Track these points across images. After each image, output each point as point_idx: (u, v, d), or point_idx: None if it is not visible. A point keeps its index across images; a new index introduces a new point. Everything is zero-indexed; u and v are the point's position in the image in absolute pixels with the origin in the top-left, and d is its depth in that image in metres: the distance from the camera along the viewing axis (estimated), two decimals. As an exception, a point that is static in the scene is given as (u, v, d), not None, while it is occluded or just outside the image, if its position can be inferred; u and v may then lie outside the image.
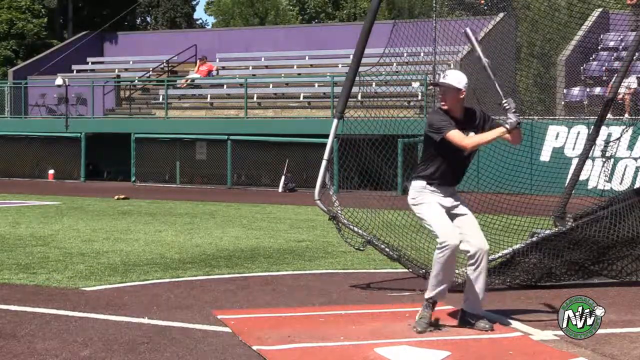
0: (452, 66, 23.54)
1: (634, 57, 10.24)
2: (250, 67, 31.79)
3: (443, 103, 6.75)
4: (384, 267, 9.81)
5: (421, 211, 6.79)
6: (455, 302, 7.48)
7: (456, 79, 6.74)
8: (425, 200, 6.78)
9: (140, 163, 26.92)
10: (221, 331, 6.63)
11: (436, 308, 7.18)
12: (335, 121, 8.67)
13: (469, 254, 6.72)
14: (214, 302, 7.81)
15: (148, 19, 61.04)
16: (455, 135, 6.63)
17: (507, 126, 6.62)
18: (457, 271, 8.20)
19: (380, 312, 7.25)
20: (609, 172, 11.68)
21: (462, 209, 6.82)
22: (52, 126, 29.43)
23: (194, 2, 62.72)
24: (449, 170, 6.77)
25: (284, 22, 53.31)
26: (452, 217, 6.79)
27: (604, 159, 10.77)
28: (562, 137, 20.53)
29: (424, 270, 8.37)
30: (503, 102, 6.69)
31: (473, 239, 6.69)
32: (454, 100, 6.73)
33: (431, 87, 7.18)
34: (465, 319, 6.77)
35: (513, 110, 6.62)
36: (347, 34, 29.35)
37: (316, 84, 28.64)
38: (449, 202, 6.80)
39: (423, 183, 6.80)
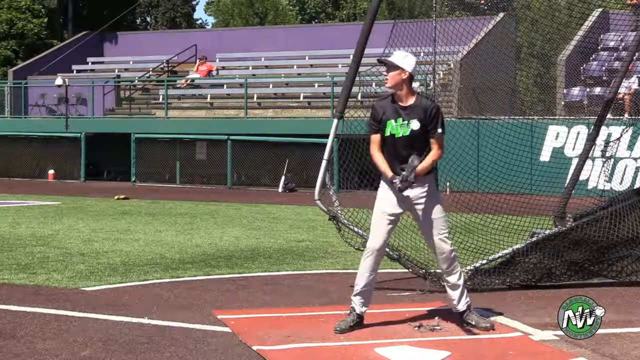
0: (452, 66, 23.54)
1: (634, 57, 10.24)
2: (250, 67, 31.79)
3: (386, 81, 6.61)
4: (384, 267, 9.77)
5: (375, 204, 6.78)
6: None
7: (399, 57, 6.59)
8: (378, 201, 6.74)
9: (140, 163, 26.91)
10: (221, 331, 6.63)
11: (437, 308, 7.20)
12: (335, 121, 8.67)
13: (431, 248, 6.78)
14: (214, 302, 7.81)
15: (148, 19, 61.07)
16: (371, 139, 6.65)
17: (396, 181, 6.41)
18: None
19: (380, 312, 7.25)
20: (609, 172, 11.69)
21: (419, 210, 6.65)
22: (52, 126, 29.43)
23: (194, 2, 62.72)
24: (391, 163, 6.60)
25: (283, 22, 53.31)
26: (413, 215, 6.74)
27: (604, 159, 10.77)
28: (562, 137, 20.53)
29: (424, 270, 8.38)
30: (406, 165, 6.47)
31: (426, 233, 6.68)
32: (395, 80, 6.55)
33: (377, 61, 6.94)
34: (464, 320, 6.76)
35: (403, 183, 6.40)
36: (347, 34, 29.35)
37: (316, 84, 28.64)
38: (401, 197, 6.60)
39: (382, 179, 6.77)
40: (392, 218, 6.69)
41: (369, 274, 6.70)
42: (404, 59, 6.59)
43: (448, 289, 6.83)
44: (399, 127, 6.59)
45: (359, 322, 6.66)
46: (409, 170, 6.38)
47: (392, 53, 6.69)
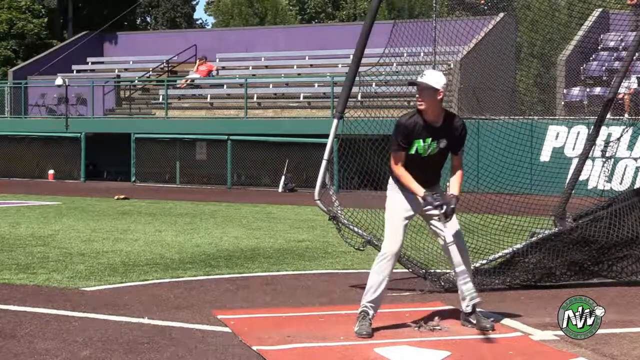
0: (452, 66, 23.54)
1: (634, 57, 10.25)
2: (250, 67, 31.79)
3: (420, 102, 6.57)
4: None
5: (386, 208, 6.76)
6: (455, 302, 7.48)
7: (434, 78, 6.54)
8: (391, 202, 6.72)
9: (140, 163, 26.92)
10: (221, 331, 6.63)
11: (437, 308, 7.20)
12: (335, 121, 8.67)
13: (443, 246, 6.75)
14: (214, 302, 7.80)
15: (148, 19, 61.08)
16: (393, 157, 6.60)
17: (436, 212, 6.51)
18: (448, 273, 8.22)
19: (380, 312, 7.24)
20: (609, 172, 11.69)
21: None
22: (52, 126, 29.42)
23: (194, 2, 62.74)
24: (417, 176, 6.61)
25: (283, 22, 53.30)
26: (427, 217, 6.75)
27: (604, 159, 10.77)
28: (562, 137, 20.53)
29: (424, 270, 8.38)
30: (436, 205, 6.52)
31: (443, 231, 6.67)
32: (430, 100, 6.53)
33: (409, 84, 6.96)
34: (466, 319, 6.77)
35: (435, 204, 6.47)
36: (347, 34, 29.34)
37: (316, 84, 28.64)
38: (417, 204, 6.64)
39: (394, 181, 6.76)
40: (407, 221, 6.73)
41: (388, 279, 6.66)
42: (438, 79, 6.55)
43: (460, 288, 6.81)
44: (427, 147, 6.59)
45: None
46: (452, 203, 6.50)
47: (423, 73, 6.62)
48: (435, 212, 6.53)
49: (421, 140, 6.56)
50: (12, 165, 28.96)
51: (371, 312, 6.61)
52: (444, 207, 6.47)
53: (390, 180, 6.80)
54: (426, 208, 6.62)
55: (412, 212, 6.71)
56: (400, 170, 6.60)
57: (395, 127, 6.64)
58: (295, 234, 13.17)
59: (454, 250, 6.70)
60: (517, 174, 9.97)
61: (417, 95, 6.59)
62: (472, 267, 6.90)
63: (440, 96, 6.54)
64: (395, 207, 6.70)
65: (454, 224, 6.72)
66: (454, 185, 6.68)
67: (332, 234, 11.75)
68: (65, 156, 28.40)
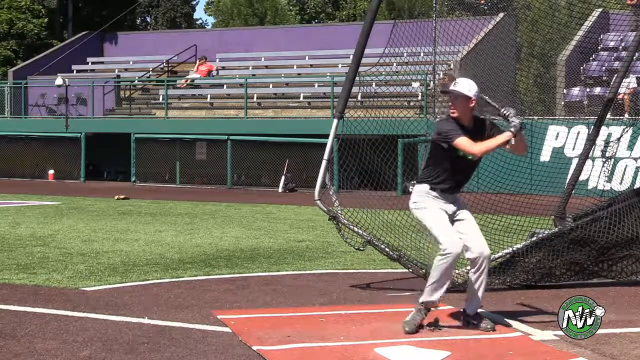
0: (452, 66, 23.54)
1: (634, 57, 10.24)
2: (250, 67, 31.78)
3: (453, 110, 6.76)
4: (384, 267, 9.80)
5: (424, 216, 6.79)
6: (456, 302, 7.48)
7: (467, 87, 6.74)
8: (427, 205, 6.78)
9: (140, 163, 26.92)
10: (221, 331, 6.63)
11: (437, 308, 7.18)
12: (335, 121, 8.67)
13: (470, 258, 6.72)
14: (214, 302, 7.81)
15: (148, 19, 61.07)
16: (464, 143, 6.65)
17: (512, 129, 6.63)
18: (457, 271, 8.22)
19: (380, 312, 7.25)
20: (609, 172, 11.69)
21: (463, 214, 6.83)
22: (52, 126, 29.43)
23: (194, 2, 62.76)
24: (453, 177, 6.79)
25: (283, 22, 53.31)
26: (453, 222, 6.79)
27: (604, 159, 10.77)
28: (562, 137, 20.53)
29: (424, 270, 8.37)
30: (502, 110, 6.70)
31: (474, 245, 6.69)
32: (463, 108, 6.73)
33: (441, 92, 7.18)
34: (467, 320, 6.77)
35: (513, 114, 6.64)
36: (347, 34, 29.35)
37: (316, 84, 28.64)
38: (451, 208, 6.81)
39: (426, 187, 6.81)
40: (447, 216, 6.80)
41: (451, 273, 6.77)
42: (470, 87, 6.74)
43: (468, 290, 6.82)
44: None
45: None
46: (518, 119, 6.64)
47: (455, 82, 6.78)
48: (516, 121, 6.61)
49: None
50: (12, 165, 28.96)
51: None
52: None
53: (418, 188, 6.87)
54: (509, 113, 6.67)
55: (447, 212, 6.81)
56: (479, 146, 6.65)
57: (442, 127, 6.80)
58: (295, 234, 13.17)
59: (481, 265, 6.73)
60: (517, 174, 9.97)
61: (450, 103, 6.79)
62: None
63: (473, 104, 6.73)
64: (433, 207, 6.77)
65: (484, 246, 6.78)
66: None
67: (332, 234, 11.75)
68: (65, 156, 28.39)
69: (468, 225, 6.78)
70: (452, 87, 6.76)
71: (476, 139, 6.70)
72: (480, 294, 6.74)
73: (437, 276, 6.62)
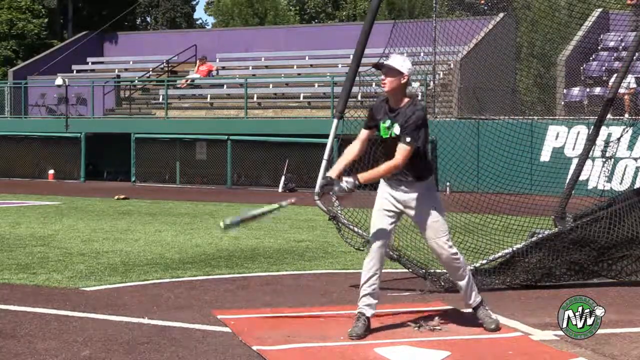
0: (452, 66, 23.54)
1: (634, 57, 10.25)
2: (250, 67, 31.79)
3: (383, 84, 6.50)
4: (384, 267, 9.78)
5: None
6: (455, 302, 7.49)
7: (399, 62, 6.47)
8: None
9: (140, 163, 26.91)
10: (221, 331, 6.63)
11: (437, 308, 7.20)
12: (335, 121, 8.67)
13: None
14: (214, 302, 7.80)
15: (148, 19, 61.07)
16: (353, 142, 6.67)
17: (336, 189, 6.41)
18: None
19: (381, 312, 7.24)
20: (609, 172, 11.69)
21: (414, 213, 6.61)
22: (52, 126, 29.42)
23: (194, 2, 62.75)
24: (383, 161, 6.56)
25: (283, 23, 53.31)
26: (410, 218, 6.72)
27: (604, 159, 10.78)
28: (562, 137, 20.54)
29: (424, 270, 8.38)
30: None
31: (426, 238, 6.64)
32: (394, 84, 6.46)
33: (373, 66, 6.91)
34: (475, 316, 6.77)
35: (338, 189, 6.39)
36: (347, 34, 29.36)
37: (316, 84, 28.65)
38: (396, 197, 6.59)
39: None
40: (388, 214, 6.61)
41: (370, 274, 6.65)
42: (403, 62, 6.48)
43: (458, 287, 6.84)
44: (386, 130, 6.51)
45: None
46: (342, 187, 6.34)
47: (388, 56, 6.58)
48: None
49: (382, 123, 6.55)
50: (12, 165, 28.96)
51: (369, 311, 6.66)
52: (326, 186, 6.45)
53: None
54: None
55: (393, 208, 6.69)
56: (350, 146, 6.65)
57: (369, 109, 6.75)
58: (295, 234, 13.17)
59: (441, 261, 6.76)
60: (517, 174, 9.98)
61: (382, 77, 6.53)
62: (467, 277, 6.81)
63: (404, 80, 6.46)
64: (377, 203, 6.71)
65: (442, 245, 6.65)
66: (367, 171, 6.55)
67: (332, 234, 11.75)
68: (65, 156, 28.39)
69: (421, 226, 6.63)
70: (385, 61, 6.50)
71: (394, 124, 6.42)
72: (458, 282, 6.73)
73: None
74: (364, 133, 6.69)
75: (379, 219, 6.64)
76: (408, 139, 6.35)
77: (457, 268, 6.70)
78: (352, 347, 6.15)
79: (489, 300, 7.62)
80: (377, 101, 6.68)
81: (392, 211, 6.62)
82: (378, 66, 6.60)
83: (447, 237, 6.62)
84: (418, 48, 10.07)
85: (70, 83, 30.31)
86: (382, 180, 6.68)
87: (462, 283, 6.73)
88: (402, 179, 6.54)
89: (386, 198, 6.64)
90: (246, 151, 25.37)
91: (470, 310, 6.82)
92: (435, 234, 6.58)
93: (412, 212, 6.60)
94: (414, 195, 6.55)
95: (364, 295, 6.60)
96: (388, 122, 6.50)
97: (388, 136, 6.51)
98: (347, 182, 6.36)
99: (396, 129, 6.44)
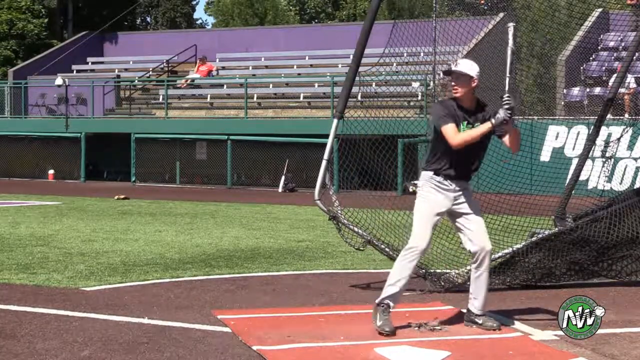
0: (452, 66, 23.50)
1: (634, 57, 10.25)
2: (250, 67, 31.79)
3: (455, 90, 6.63)
4: (384, 267, 9.78)
5: (418, 206, 6.72)
6: (455, 302, 7.49)
7: (468, 66, 6.65)
8: (427, 197, 6.69)
9: (140, 163, 26.93)
10: (221, 331, 6.63)
11: (437, 308, 7.19)
12: (335, 121, 8.67)
13: (471, 252, 6.68)
14: (214, 302, 7.80)
15: (148, 19, 61.06)
16: (447, 131, 6.56)
17: (493, 121, 6.50)
18: (457, 271, 8.23)
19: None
20: (609, 172, 11.69)
21: (467, 208, 6.69)
22: (52, 126, 29.44)
23: (194, 2, 62.72)
24: (455, 161, 6.63)
25: (283, 23, 53.31)
26: (456, 214, 6.72)
27: (604, 159, 10.77)
28: (562, 137, 20.54)
29: (424, 270, 8.38)
30: (504, 96, 6.54)
31: (476, 238, 6.64)
32: (465, 88, 6.61)
33: (443, 73, 7.00)
34: (472, 319, 6.75)
35: (506, 107, 6.46)
36: (347, 34, 29.37)
37: (316, 84, 28.65)
38: (451, 198, 6.67)
39: (430, 173, 6.72)
40: (437, 218, 6.70)
41: (410, 276, 6.68)
42: (472, 67, 6.65)
43: (472, 288, 6.79)
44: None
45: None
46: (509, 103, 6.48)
47: (456, 62, 6.68)
48: (501, 114, 6.47)
49: (464, 123, 6.63)
50: (12, 165, 28.97)
51: (392, 305, 6.64)
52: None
53: (424, 179, 6.74)
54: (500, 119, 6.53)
55: (443, 211, 6.70)
56: (459, 137, 6.56)
57: (435, 110, 6.76)
58: (295, 234, 13.17)
59: (482, 255, 6.69)
60: (517, 174, 9.97)
61: (452, 83, 6.66)
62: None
63: (475, 83, 6.62)
64: (430, 205, 6.67)
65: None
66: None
67: (332, 234, 11.75)
68: (65, 156, 28.41)
69: (471, 218, 6.67)
70: (454, 67, 6.65)
71: (476, 122, 6.61)
72: (484, 291, 6.70)
73: (396, 271, 6.64)
74: (454, 126, 6.63)
75: (432, 224, 6.67)
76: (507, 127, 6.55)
77: (489, 262, 6.76)
78: (352, 347, 6.15)
79: (490, 300, 7.62)
80: (445, 103, 6.75)
81: (442, 213, 6.72)
82: (448, 73, 6.76)
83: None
84: (418, 48, 10.06)
85: (70, 83, 30.32)
86: (434, 185, 6.69)
87: (486, 283, 6.75)
88: (473, 169, 6.76)
89: (441, 201, 6.68)
90: (246, 151, 25.38)
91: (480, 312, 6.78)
92: (483, 225, 6.71)
93: (464, 206, 6.68)
94: (469, 187, 6.77)
95: (394, 289, 6.62)
96: (466, 124, 6.63)
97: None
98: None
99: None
